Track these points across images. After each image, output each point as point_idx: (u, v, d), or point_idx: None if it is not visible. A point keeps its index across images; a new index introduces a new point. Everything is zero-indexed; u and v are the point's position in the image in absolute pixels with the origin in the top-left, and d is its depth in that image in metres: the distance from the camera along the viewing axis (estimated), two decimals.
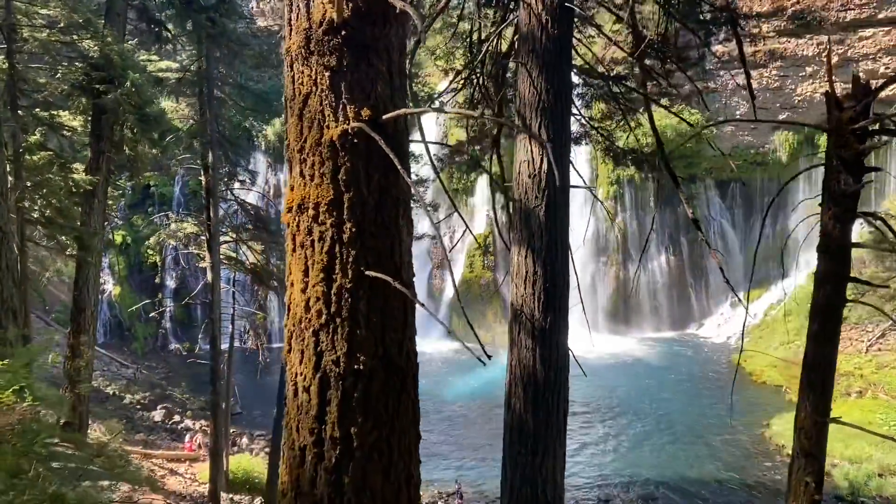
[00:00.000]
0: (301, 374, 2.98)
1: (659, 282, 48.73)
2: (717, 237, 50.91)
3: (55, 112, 18.78)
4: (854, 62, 43.40)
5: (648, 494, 25.58)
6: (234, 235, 21.54)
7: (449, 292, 46.40)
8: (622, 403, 34.82)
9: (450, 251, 46.91)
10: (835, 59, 45.67)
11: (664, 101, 11.56)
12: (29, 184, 16.18)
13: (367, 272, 2.91)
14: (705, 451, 29.13)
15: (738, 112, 48.40)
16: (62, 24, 17.11)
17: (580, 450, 29.73)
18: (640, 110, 10.95)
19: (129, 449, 20.63)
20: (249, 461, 24.92)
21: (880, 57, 43.91)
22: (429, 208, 21.96)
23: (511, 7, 10.58)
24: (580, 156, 38.52)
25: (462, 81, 10.28)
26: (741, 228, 52.04)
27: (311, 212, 2.94)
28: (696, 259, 50.16)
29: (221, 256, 20.82)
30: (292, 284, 3.09)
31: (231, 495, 22.55)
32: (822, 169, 11.24)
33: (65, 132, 18.91)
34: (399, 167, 2.75)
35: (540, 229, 8.57)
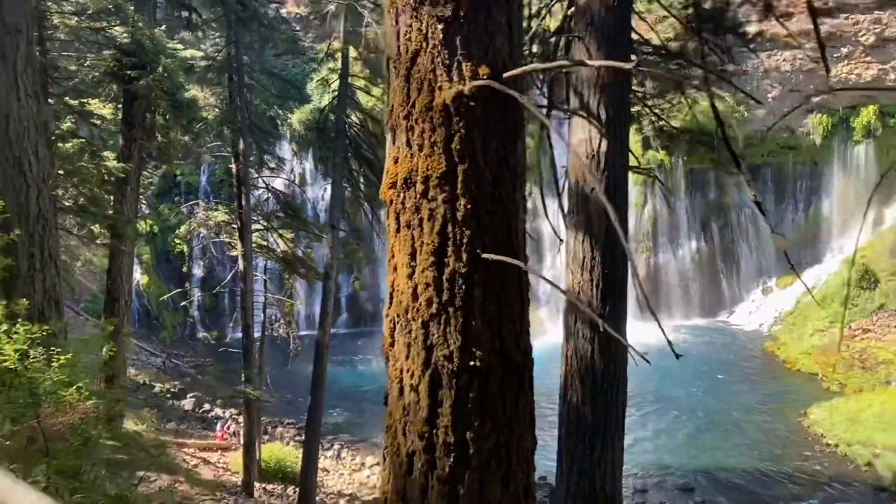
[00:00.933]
0: (408, 370, 2.64)
1: (689, 268, 47.91)
2: (748, 222, 49.91)
3: (85, 100, 18.62)
4: (892, 42, 42.20)
5: (685, 484, 25.13)
6: (266, 223, 21.32)
7: None
8: (654, 392, 34.25)
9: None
10: (871, 39, 44.48)
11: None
12: (61, 172, 16.03)
13: (483, 255, 2.56)
14: (741, 439, 28.56)
15: (769, 95, 47.28)
16: (91, 11, 16.90)
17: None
18: (693, 89, 10.46)
19: (162, 438, 20.57)
20: (281, 450, 24.82)
21: None
22: None
23: None
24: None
25: None
26: (772, 214, 50.98)
27: (419, 187, 2.59)
28: (727, 245, 49.19)
29: (252, 245, 20.61)
30: (395, 270, 2.74)
31: (264, 484, 22.46)
32: (857, 152, 10.61)
33: (94, 120, 18.75)
34: (527, 132, 2.38)
35: (598, 213, 8.18)
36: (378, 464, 27.39)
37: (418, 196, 2.59)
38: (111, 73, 15.99)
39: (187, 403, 31.31)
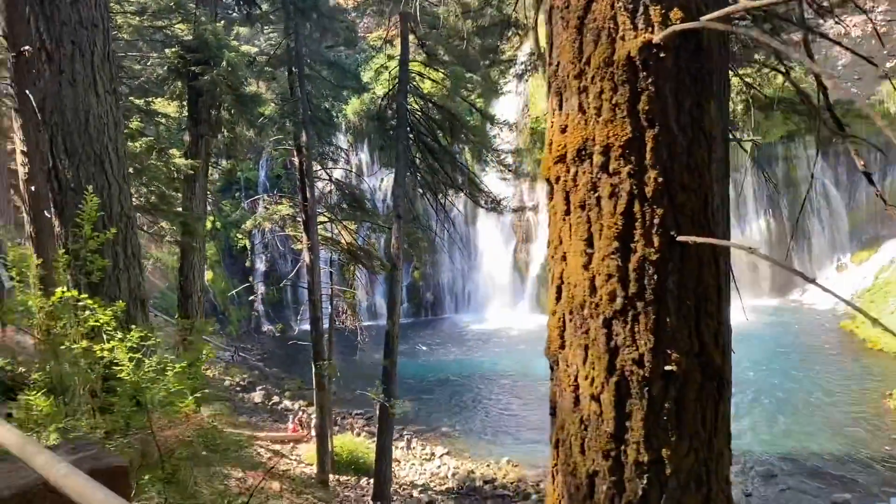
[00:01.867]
0: (586, 376, 2.24)
1: (758, 246, 46.34)
2: (820, 197, 47.98)
3: (150, 99, 18.75)
4: None
5: (767, 471, 24.21)
6: (330, 215, 21.21)
7: (535, 266, 45.41)
8: None
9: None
10: None
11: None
12: (131, 171, 16.13)
13: (677, 238, 2.13)
14: (824, 423, 27.38)
15: (839, 63, 45.26)
16: (153, 9, 16.94)
17: None
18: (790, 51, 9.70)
19: (243, 433, 20.76)
20: (353, 441, 24.84)
21: None
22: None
23: None
24: None
25: None
26: (845, 187, 48.86)
27: (597, 159, 2.18)
28: (798, 221, 47.50)
29: (318, 237, 20.53)
30: (564, 259, 2.34)
31: (337, 476, 22.48)
32: None
33: (160, 119, 18.89)
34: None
35: None
36: (448, 453, 27.26)
37: (596, 170, 2.18)
38: (175, 70, 15.97)
39: (257, 396, 31.70)
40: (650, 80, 2.09)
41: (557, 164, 2.30)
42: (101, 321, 4.20)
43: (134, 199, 16.52)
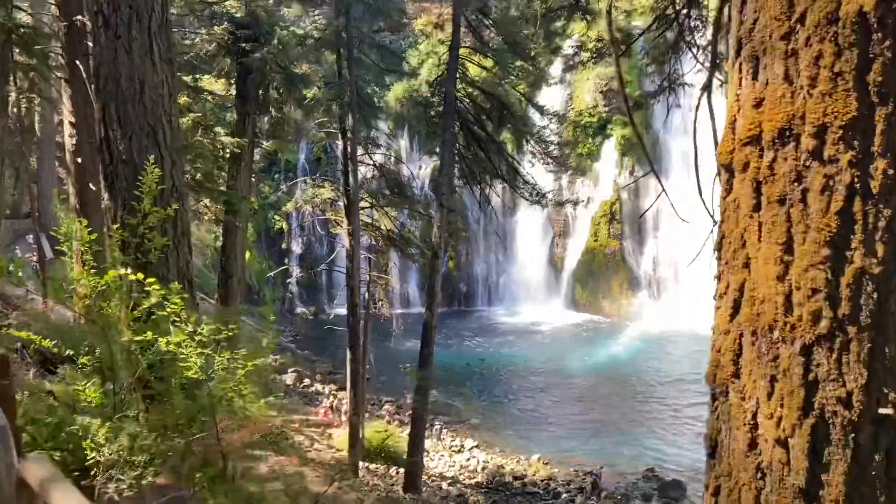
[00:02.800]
0: (771, 415, 1.80)
1: None
2: None
3: (198, 76, 18.55)
4: None
5: None
6: (372, 201, 20.89)
7: (571, 262, 44.74)
8: None
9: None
10: None
11: None
12: None
13: None
14: None
15: None
16: None
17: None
18: None
19: (271, 415, 20.55)
20: (384, 429, 24.62)
21: None
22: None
23: None
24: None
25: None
26: None
27: (806, 142, 1.73)
28: None
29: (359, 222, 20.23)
30: (747, 265, 1.90)
31: (367, 464, 22.26)
32: None
33: (206, 96, 18.70)
34: None
35: None
36: (477, 446, 26.91)
37: (804, 156, 1.73)
38: (224, 46, 15.72)
39: (288, 378, 31.66)
40: (887, 43, 1.63)
41: (746, 146, 1.86)
42: (169, 309, 3.86)
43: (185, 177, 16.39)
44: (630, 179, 44.11)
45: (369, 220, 22.63)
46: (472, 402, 31.11)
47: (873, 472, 1.70)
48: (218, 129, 17.53)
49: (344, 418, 24.52)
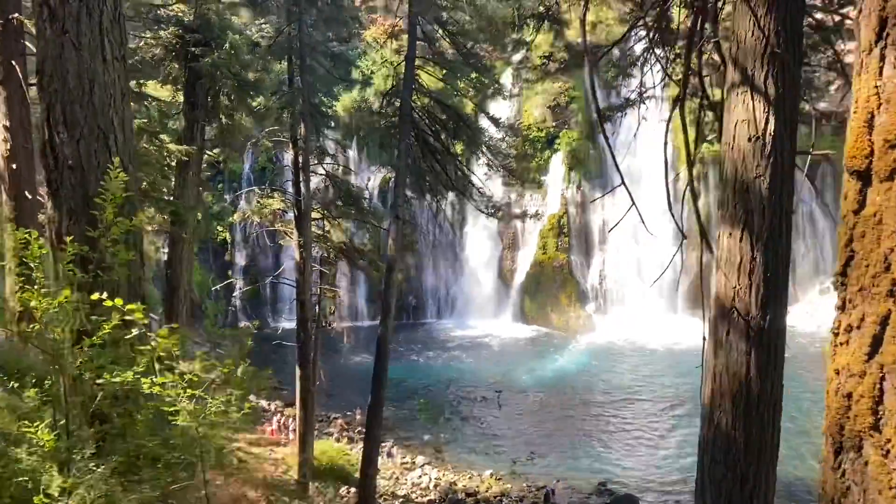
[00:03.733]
0: None
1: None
2: (806, 222, 48.05)
3: (142, 81, 17.79)
4: None
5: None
6: (324, 212, 20.36)
7: (520, 275, 44.78)
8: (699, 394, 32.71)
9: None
10: None
11: None
12: None
13: None
14: (811, 447, 26.96)
15: (832, 87, 45.11)
16: None
17: (662, 442, 28.09)
18: None
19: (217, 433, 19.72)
20: (332, 447, 23.97)
21: None
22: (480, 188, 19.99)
23: None
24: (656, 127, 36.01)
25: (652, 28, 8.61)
26: (829, 211, 48.90)
27: None
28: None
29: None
30: (892, 294, 1.60)
31: (317, 483, 21.60)
32: None
33: (149, 102, 17.94)
34: None
35: (762, 206, 6.97)
36: (429, 463, 26.44)
37: None
38: (173, 51, 15.06)
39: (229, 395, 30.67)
40: None
41: (894, 149, 1.56)
42: (160, 347, 3.38)
43: None
44: (578, 193, 44.50)
45: (320, 232, 22.07)
46: (424, 418, 30.73)
47: None
48: (163, 136, 16.80)
49: (292, 436, 23.79)
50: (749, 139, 7.00)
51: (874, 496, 1.63)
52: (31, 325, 3.64)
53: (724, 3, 8.38)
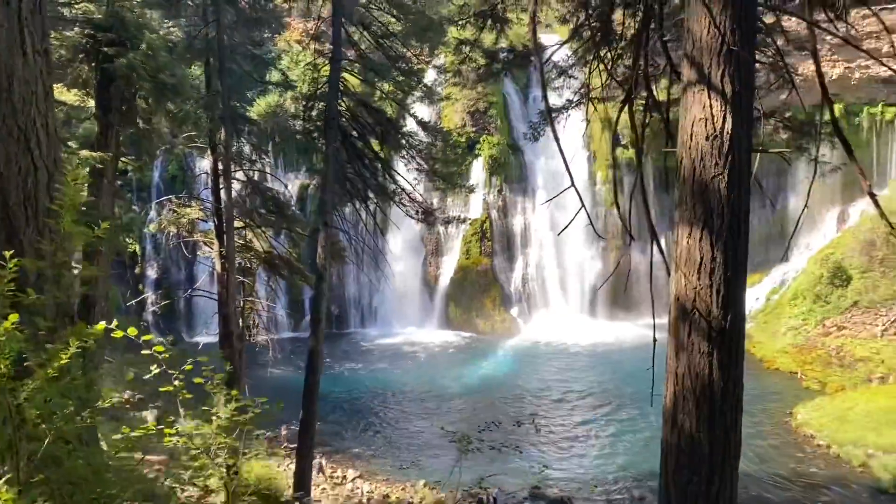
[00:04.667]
0: None
1: (660, 267, 47.48)
2: None
3: None
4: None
5: None
6: (246, 221, 19.58)
7: (444, 280, 44.68)
8: (628, 393, 33.46)
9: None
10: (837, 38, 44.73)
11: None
12: None
13: None
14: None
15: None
16: None
17: (591, 443, 28.50)
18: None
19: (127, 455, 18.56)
20: (259, 466, 23.01)
21: None
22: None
23: None
24: (572, 133, 36.76)
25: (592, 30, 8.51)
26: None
27: None
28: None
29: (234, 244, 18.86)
30: None
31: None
32: (822, 150, 9.76)
33: (59, 107, 16.76)
34: None
35: (720, 205, 6.93)
36: (360, 476, 25.85)
37: None
38: (83, 52, 14.07)
39: (150, 415, 29.18)
40: None
41: None
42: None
43: None
44: (498, 198, 44.81)
45: (241, 242, 21.24)
46: (352, 430, 30.13)
47: None
48: (72, 143, 15.71)
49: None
50: (707, 138, 6.94)
51: None
52: None
53: (669, 4, 8.40)
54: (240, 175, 20.44)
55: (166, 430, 2.92)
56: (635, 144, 8.74)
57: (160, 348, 3.21)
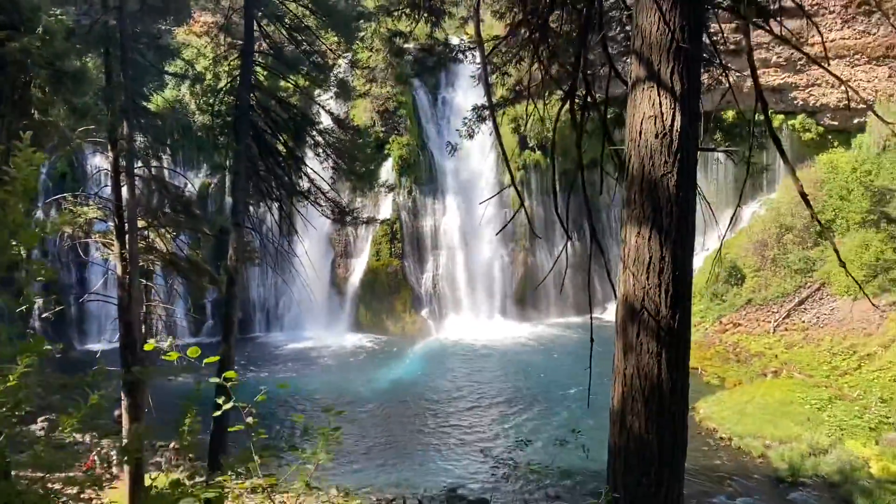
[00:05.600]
0: None
1: (563, 267, 48.38)
2: (616, 221, 51.23)
3: None
4: (756, 48, 44.57)
5: (595, 489, 24.64)
6: (149, 221, 18.44)
7: (354, 282, 43.93)
8: (538, 392, 33.87)
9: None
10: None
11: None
12: None
13: None
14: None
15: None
16: None
17: (505, 442, 28.61)
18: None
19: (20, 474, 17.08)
20: (164, 479, 21.77)
21: None
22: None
23: None
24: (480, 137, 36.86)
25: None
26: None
27: None
28: (599, 244, 50.09)
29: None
30: None
31: None
32: (716, 154, 10.10)
33: None
34: None
35: (669, 203, 6.86)
36: (271, 487, 24.78)
37: None
38: None
39: (38, 429, 27.17)
40: None
41: None
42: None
43: None
44: (409, 199, 44.49)
45: (143, 243, 20.02)
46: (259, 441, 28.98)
47: None
48: None
49: (115, 470, 21.35)
50: (656, 136, 6.85)
51: None
52: None
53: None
54: (140, 172, 19.25)
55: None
56: (577, 144, 8.60)
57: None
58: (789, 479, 24.62)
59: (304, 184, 19.10)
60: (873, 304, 32.10)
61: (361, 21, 16.02)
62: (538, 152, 47.59)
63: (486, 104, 11.11)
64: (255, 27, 17.91)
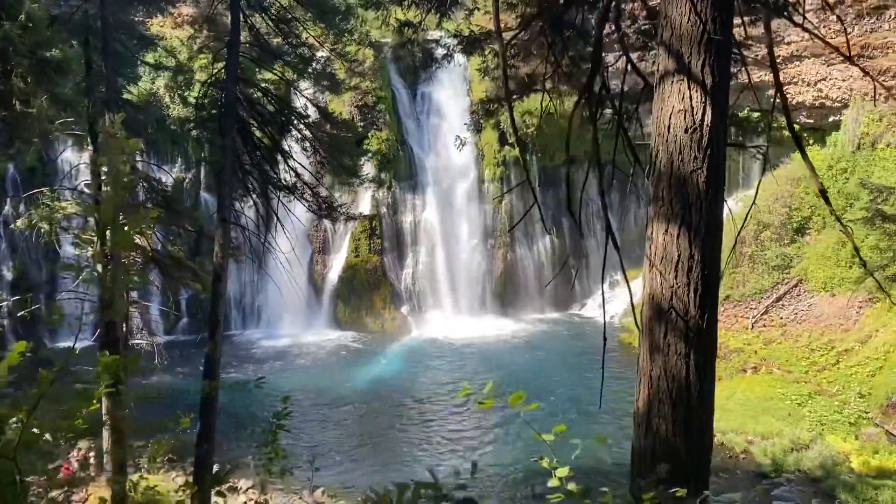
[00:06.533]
0: None
1: (543, 263, 48.43)
2: (595, 218, 51.27)
3: None
4: None
5: (586, 486, 24.53)
6: (131, 216, 17.87)
7: (332, 278, 43.45)
8: (517, 388, 33.59)
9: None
10: None
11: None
12: None
13: None
14: (616, 431, 28.30)
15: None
16: None
17: (488, 441, 28.50)
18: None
19: None
20: (151, 479, 21.28)
21: None
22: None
23: None
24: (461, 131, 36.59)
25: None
26: (616, 211, 52.69)
27: None
28: (577, 240, 50.16)
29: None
30: None
31: None
32: None
33: None
34: None
35: (699, 200, 6.67)
36: (253, 487, 24.46)
37: None
38: None
39: (10, 431, 26.43)
40: None
41: None
42: None
43: None
44: (388, 195, 44.10)
45: None
46: (237, 440, 28.58)
47: None
48: None
49: (93, 472, 20.81)
50: (686, 130, 6.65)
51: None
52: None
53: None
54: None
55: None
56: (594, 141, 8.37)
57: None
58: (772, 474, 24.80)
59: (290, 178, 18.70)
60: (889, 298, 31.37)
61: (339, 15, 15.67)
62: (517, 149, 47.42)
63: (496, 98, 10.90)
64: (241, 18, 17.45)
